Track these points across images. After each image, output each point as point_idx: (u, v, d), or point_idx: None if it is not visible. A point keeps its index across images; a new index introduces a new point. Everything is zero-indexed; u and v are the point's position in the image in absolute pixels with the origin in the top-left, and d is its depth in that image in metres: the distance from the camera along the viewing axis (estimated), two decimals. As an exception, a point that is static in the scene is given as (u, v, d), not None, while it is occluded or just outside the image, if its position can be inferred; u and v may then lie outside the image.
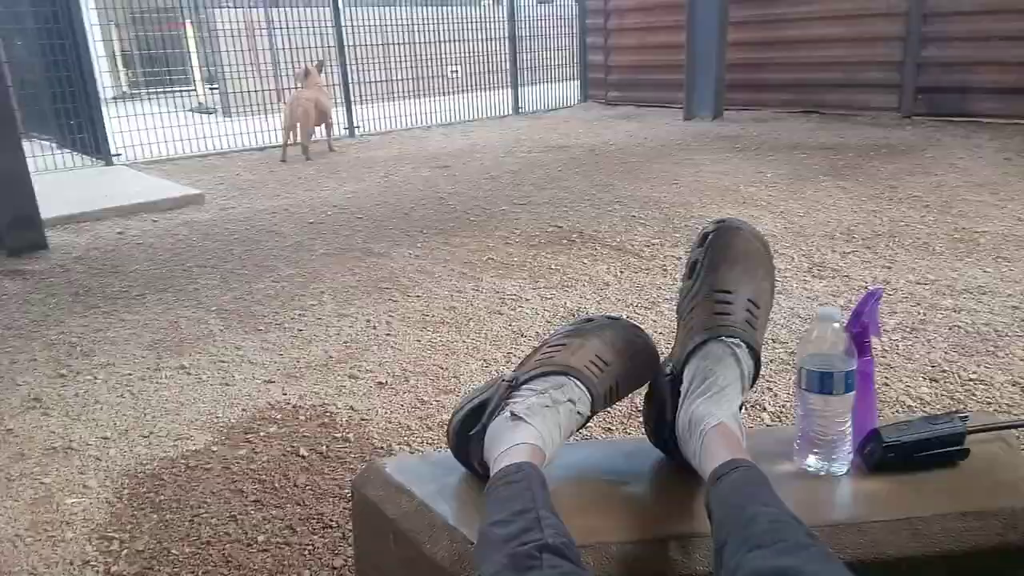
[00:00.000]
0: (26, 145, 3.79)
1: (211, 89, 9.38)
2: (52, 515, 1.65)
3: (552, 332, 1.06)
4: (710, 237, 1.01)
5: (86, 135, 6.09)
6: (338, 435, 1.93)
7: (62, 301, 3.00)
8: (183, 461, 1.84)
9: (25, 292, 3.12)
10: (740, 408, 0.94)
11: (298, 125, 6.12)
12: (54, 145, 6.41)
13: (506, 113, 8.82)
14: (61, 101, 6.05)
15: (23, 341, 2.61)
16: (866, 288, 2.75)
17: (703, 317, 0.98)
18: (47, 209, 3.86)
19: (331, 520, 1.60)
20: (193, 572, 1.45)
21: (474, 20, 9.03)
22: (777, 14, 7.29)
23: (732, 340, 0.95)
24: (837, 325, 0.96)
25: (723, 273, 0.99)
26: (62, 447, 1.92)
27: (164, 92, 9.83)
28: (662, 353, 1.08)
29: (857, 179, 4.44)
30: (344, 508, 1.63)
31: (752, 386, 0.99)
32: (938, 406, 1.95)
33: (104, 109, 6.13)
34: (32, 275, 3.35)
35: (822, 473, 0.99)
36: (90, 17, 6.57)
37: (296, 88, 6.45)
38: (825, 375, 0.94)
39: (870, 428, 1.02)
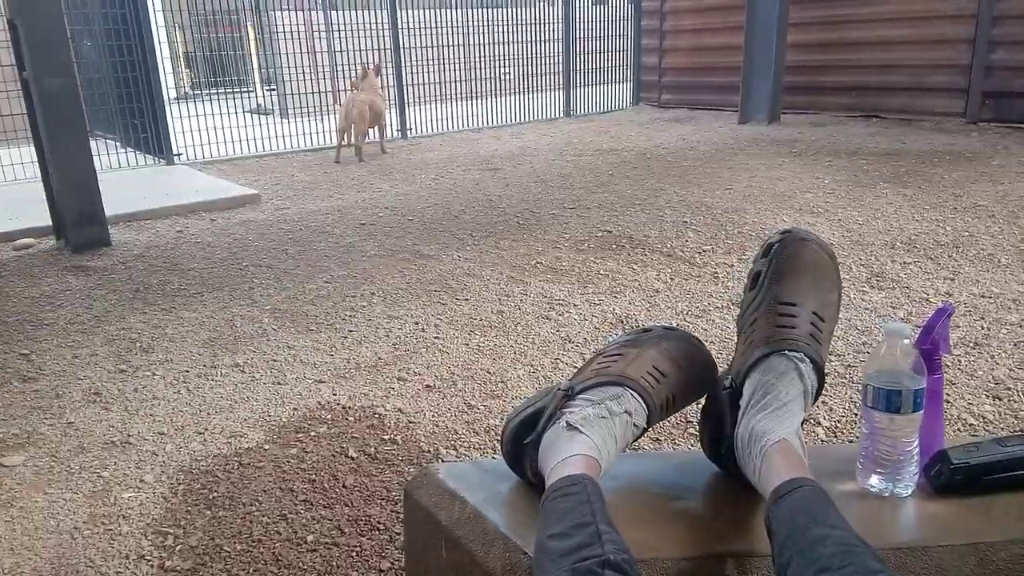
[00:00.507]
0: (92, 144, 3.91)
1: (269, 91, 9.58)
2: (110, 508, 1.69)
3: (608, 342, 1.05)
4: (775, 247, 0.98)
5: (149, 135, 6.27)
6: (386, 437, 1.94)
7: (123, 297, 3.08)
8: (236, 458, 1.87)
9: (88, 288, 3.22)
10: (801, 425, 0.91)
11: (352, 127, 6.20)
12: (118, 144, 6.62)
13: (557, 115, 8.81)
14: (126, 101, 6.24)
15: (85, 336, 2.69)
16: (928, 300, 2.66)
17: (766, 330, 0.95)
18: (110, 207, 3.98)
19: (379, 522, 1.60)
20: (244, 570, 1.48)
21: (527, 22, 9.03)
22: (839, 15, 7.12)
23: (795, 354, 0.92)
24: (907, 341, 0.92)
25: (788, 285, 0.96)
26: (120, 441, 1.97)
27: (224, 93, 10.07)
28: (720, 365, 1.06)
29: (919, 186, 4.31)
30: (392, 511, 1.64)
31: (815, 402, 0.96)
32: (1002, 425, 1.87)
33: (167, 109, 6.30)
34: (95, 271, 3.46)
35: (886, 494, 0.95)
36: (156, 19, 6.75)
37: (352, 90, 6.55)
38: (893, 392, 0.90)
39: (937, 448, 0.98)
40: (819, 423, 1.90)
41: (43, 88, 3.60)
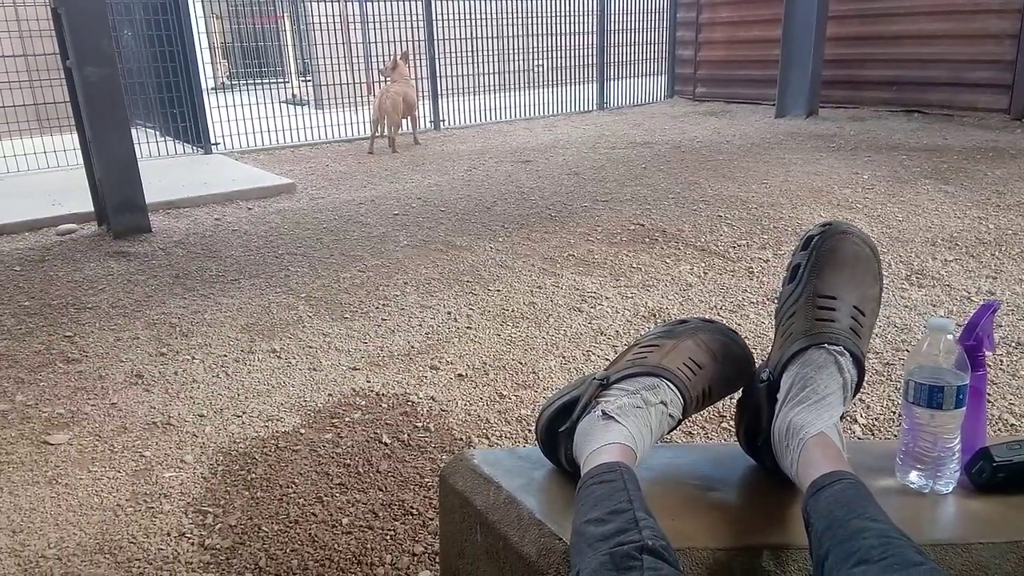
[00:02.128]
0: (132, 133, 3.98)
1: (304, 81, 9.66)
2: (151, 487, 1.73)
3: (644, 333, 1.05)
4: (815, 240, 0.97)
5: (188, 124, 6.37)
6: (419, 424, 1.97)
7: (163, 283, 3.15)
8: (273, 441, 1.91)
9: (129, 273, 3.29)
10: (841, 419, 0.90)
11: (386, 118, 6.24)
12: (157, 133, 6.74)
13: (590, 108, 8.77)
14: (166, 91, 6.35)
15: (127, 320, 2.75)
16: (969, 298, 2.61)
17: (804, 323, 0.94)
18: (150, 194, 4.06)
19: (412, 507, 1.63)
20: (281, 549, 1.51)
21: (562, 14, 9.00)
22: (880, 8, 6.99)
23: (835, 348, 0.91)
24: (950, 337, 0.91)
25: (828, 278, 0.95)
26: (162, 422, 2.02)
27: (260, 83, 10.18)
28: (759, 358, 1.06)
29: (961, 183, 4.23)
30: (425, 496, 1.66)
31: (855, 397, 0.95)
32: (1046, 426, 1.84)
33: (205, 99, 6.40)
34: (136, 257, 3.53)
35: (925, 491, 0.94)
36: (195, 10, 6.83)
37: (382, 81, 6.58)
38: (935, 388, 0.89)
39: (979, 446, 0.97)
40: (856, 421, 1.89)
41: (86, 77, 3.67)
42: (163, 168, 5.58)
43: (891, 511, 0.78)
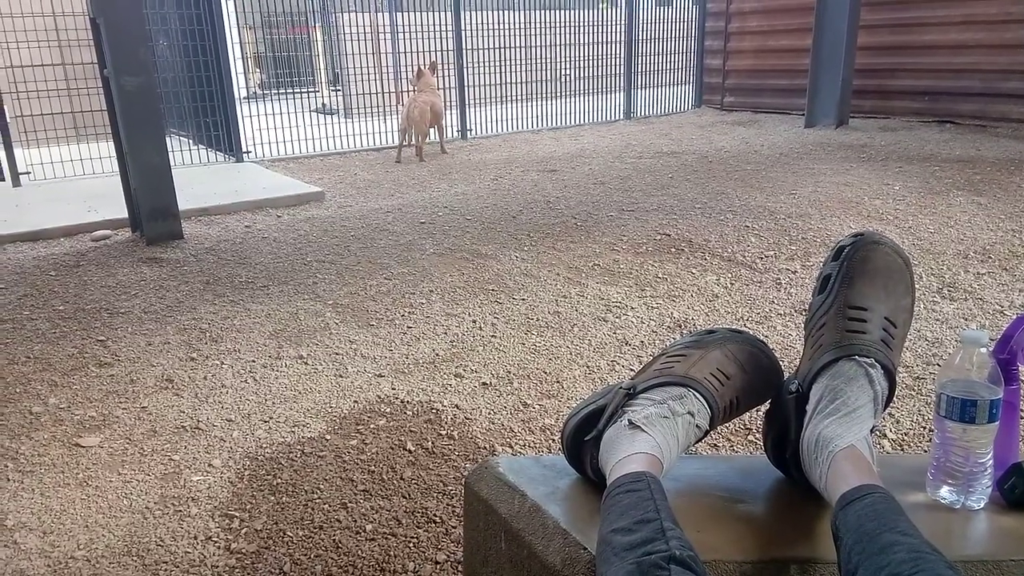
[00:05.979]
0: (167, 141, 4.05)
1: (334, 91, 9.77)
2: (179, 491, 1.76)
3: (672, 342, 1.04)
4: (846, 251, 0.96)
5: (220, 133, 6.47)
6: (443, 432, 1.97)
7: (194, 289, 3.19)
8: (299, 447, 1.92)
9: (161, 279, 3.35)
10: (871, 432, 0.89)
11: (413, 127, 6.29)
12: (190, 141, 6.85)
13: (617, 117, 8.76)
14: (199, 100, 6.45)
15: (158, 324, 2.80)
16: (1002, 312, 2.56)
17: (835, 335, 0.93)
18: (183, 201, 4.12)
19: (435, 515, 1.63)
20: (306, 555, 1.52)
21: (589, 24, 9.01)
22: (912, 18, 6.91)
23: (866, 360, 0.90)
24: (983, 350, 0.89)
25: (859, 289, 0.94)
26: (191, 426, 2.05)
27: (290, 93, 10.31)
28: (785, 370, 1.05)
29: (995, 195, 4.15)
30: (448, 504, 1.66)
31: (885, 410, 0.93)
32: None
33: (238, 109, 6.49)
34: (168, 263, 3.59)
35: (956, 506, 0.93)
36: (229, 20, 6.95)
37: (410, 90, 6.64)
38: (967, 402, 0.88)
39: (1012, 461, 0.95)
40: (885, 435, 1.86)
41: (122, 86, 3.75)
42: (196, 176, 5.67)
43: (922, 526, 0.76)
